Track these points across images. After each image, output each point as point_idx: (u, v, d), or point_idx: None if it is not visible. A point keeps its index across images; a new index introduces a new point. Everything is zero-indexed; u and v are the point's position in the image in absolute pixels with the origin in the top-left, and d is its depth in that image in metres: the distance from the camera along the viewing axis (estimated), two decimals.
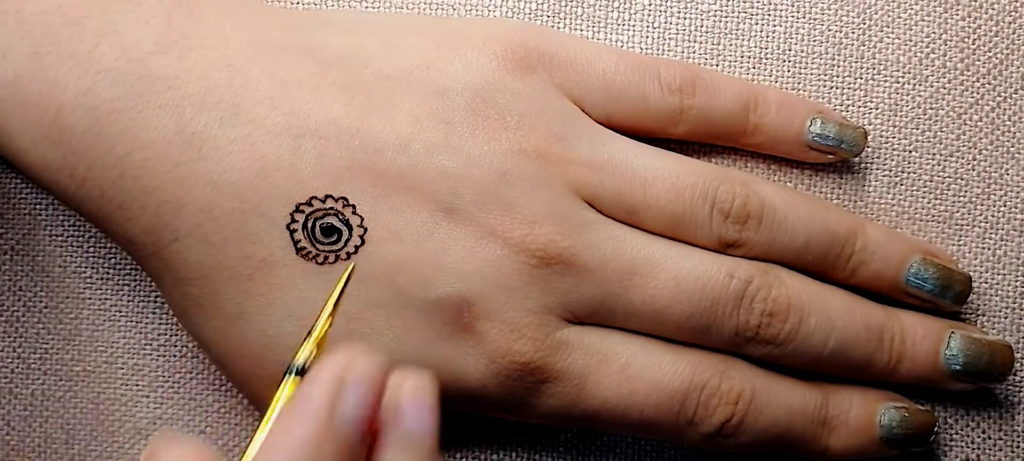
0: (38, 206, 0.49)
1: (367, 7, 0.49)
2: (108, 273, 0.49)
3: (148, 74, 0.42)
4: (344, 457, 0.33)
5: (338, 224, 0.42)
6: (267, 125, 0.42)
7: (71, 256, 0.50)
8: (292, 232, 0.42)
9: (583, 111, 0.45)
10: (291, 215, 0.42)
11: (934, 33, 0.48)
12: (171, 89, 0.42)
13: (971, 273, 0.48)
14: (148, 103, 0.42)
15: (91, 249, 0.49)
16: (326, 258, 0.42)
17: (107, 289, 0.50)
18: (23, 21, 0.42)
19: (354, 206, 0.42)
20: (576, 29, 0.48)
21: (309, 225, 0.42)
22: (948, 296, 0.47)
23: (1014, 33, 0.48)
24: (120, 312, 0.50)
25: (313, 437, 0.32)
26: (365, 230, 0.42)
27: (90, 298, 0.50)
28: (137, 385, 0.49)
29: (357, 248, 0.42)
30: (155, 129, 0.42)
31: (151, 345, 0.50)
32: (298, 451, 0.32)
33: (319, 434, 0.33)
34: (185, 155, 0.42)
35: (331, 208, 0.42)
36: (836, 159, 0.47)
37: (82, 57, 0.41)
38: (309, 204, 0.42)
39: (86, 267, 0.50)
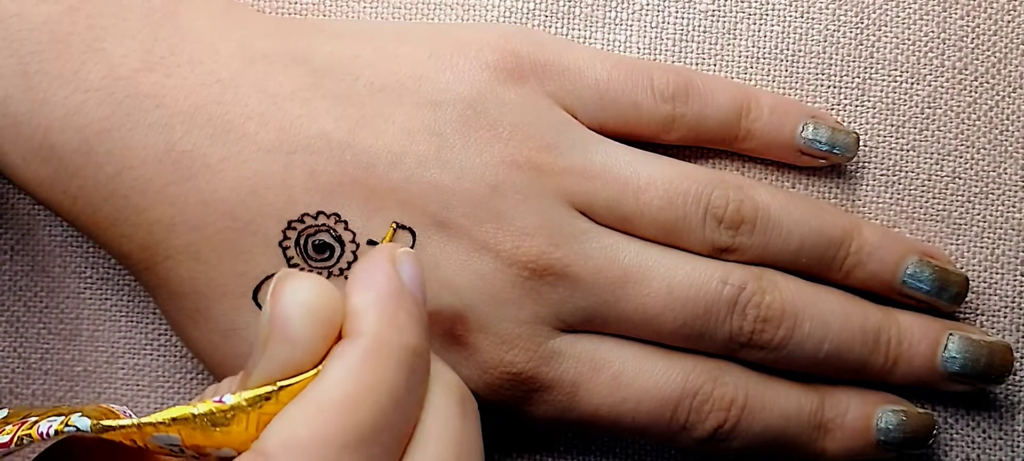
0: (37, 206, 0.49)
1: (364, 6, 0.48)
2: (108, 273, 0.50)
3: (135, 92, 0.41)
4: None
5: (330, 240, 0.42)
6: (258, 141, 0.42)
7: (71, 256, 0.50)
8: (284, 249, 0.42)
9: (575, 119, 0.45)
10: (283, 232, 0.42)
11: (932, 32, 0.48)
12: (159, 107, 0.41)
13: (969, 273, 0.48)
14: (137, 122, 0.41)
15: (91, 249, 0.49)
16: (318, 274, 0.42)
17: (107, 289, 0.50)
18: (11, 38, 0.41)
19: (346, 222, 0.42)
20: (573, 29, 0.48)
21: (301, 242, 0.42)
22: (945, 297, 0.46)
23: (1012, 32, 0.48)
24: (120, 312, 0.50)
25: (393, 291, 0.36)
26: (358, 246, 0.42)
27: (90, 298, 0.50)
28: (137, 385, 0.50)
29: (350, 264, 0.42)
30: (144, 149, 0.41)
31: (151, 345, 0.50)
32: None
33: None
34: (175, 174, 0.42)
35: (323, 225, 0.42)
36: (828, 163, 0.47)
37: (69, 76, 0.41)
38: (301, 221, 0.42)
39: (86, 267, 0.50)
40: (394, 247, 0.38)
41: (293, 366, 0.35)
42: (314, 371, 0.35)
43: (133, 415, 0.36)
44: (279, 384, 0.35)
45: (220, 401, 0.34)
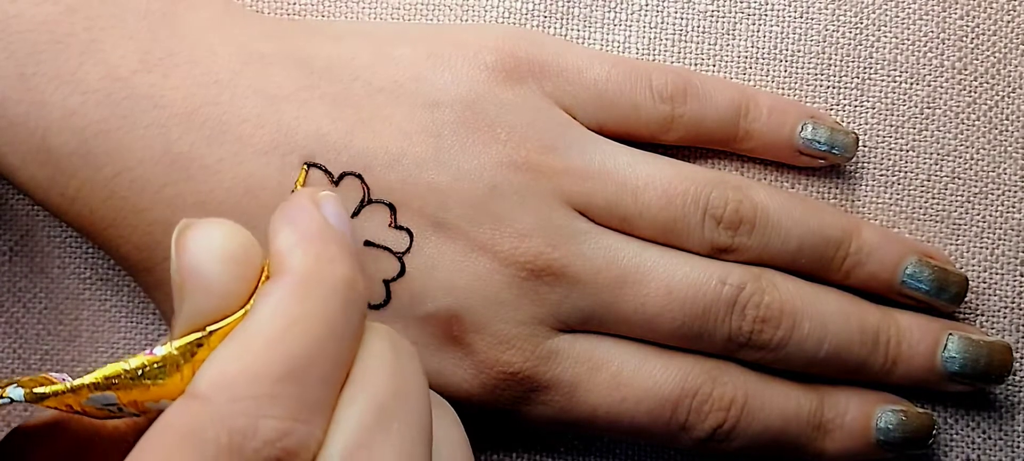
0: (36, 208, 0.49)
1: (363, 7, 0.48)
2: (107, 274, 0.50)
3: (133, 93, 0.41)
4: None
5: None
6: (254, 143, 0.42)
7: (70, 258, 0.50)
8: None
9: (574, 119, 0.45)
10: None
11: (932, 32, 0.48)
12: (157, 109, 0.41)
13: (968, 273, 0.48)
14: (134, 124, 0.41)
15: (90, 251, 0.49)
16: None
17: (107, 290, 0.50)
18: (9, 40, 0.41)
19: None
20: (571, 29, 0.48)
21: None
22: (944, 297, 0.46)
23: (1012, 32, 0.48)
24: (120, 313, 0.50)
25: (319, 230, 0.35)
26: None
27: (90, 299, 0.50)
28: None
29: None
30: (142, 150, 0.41)
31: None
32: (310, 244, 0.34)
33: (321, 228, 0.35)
34: (173, 175, 0.42)
35: None
36: (827, 164, 0.47)
37: (67, 77, 0.41)
38: None
39: (85, 268, 0.50)
40: (314, 190, 0.37)
41: (215, 312, 0.34)
42: (242, 311, 0.34)
43: (70, 379, 0.36)
44: (208, 329, 0.34)
45: (151, 353, 0.33)
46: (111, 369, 0.34)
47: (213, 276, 0.33)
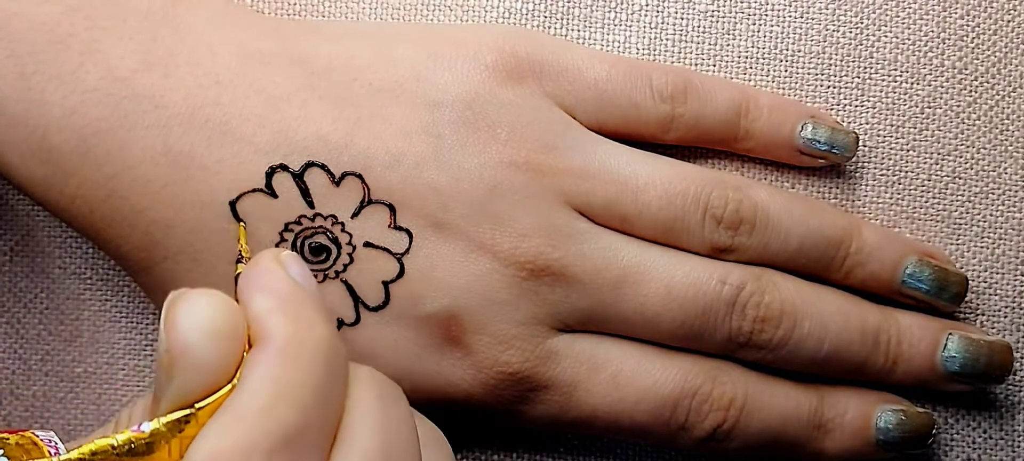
0: (37, 208, 0.49)
1: (364, 7, 0.48)
2: (108, 274, 0.50)
3: (133, 93, 0.41)
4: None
5: (326, 242, 0.42)
6: (255, 144, 0.42)
7: (71, 258, 0.50)
8: None
9: (574, 119, 0.45)
10: (280, 235, 0.42)
11: (932, 32, 0.48)
12: (157, 109, 0.41)
13: (969, 273, 0.48)
14: (135, 123, 0.41)
15: (91, 251, 0.50)
16: (315, 276, 0.42)
17: (107, 291, 0.50)
18: (9, 39, 0.41)
19: (343, 223, 0.42)
20: (571, 29, 0.48)
21: (298, 244, 0.42)
22: (944, 297, 0.46)
23: (1012, 32, 0.48)
24: (120, 314, 0.50)
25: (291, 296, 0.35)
26: (354, 248, 0.42)
27: (90, 300, 0.50)
28: (138, 386, 0.50)
29: (346, 266, 0.42)
30: (142, 150, 0.41)
31: (151, 346, 0.50)
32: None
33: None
34: (173, 175, 0.42)
35: (320, 227, 0.42)
36: (828, 163, 0.47)
37: (67, 76, 0.41)
38: (298, 223, 0.42)
39: (86, 269, 0.50)
40: (276, 251, 0.37)
41: (204, 388, 0.33)
42: (230, 386, 0.34)
43: (60, 444, 0.36)
44: (196, 405, 0.34)
45: (139, 429, 0.33)
46: (98, 444, 0.33)
47: (203, 353, 0.33)
